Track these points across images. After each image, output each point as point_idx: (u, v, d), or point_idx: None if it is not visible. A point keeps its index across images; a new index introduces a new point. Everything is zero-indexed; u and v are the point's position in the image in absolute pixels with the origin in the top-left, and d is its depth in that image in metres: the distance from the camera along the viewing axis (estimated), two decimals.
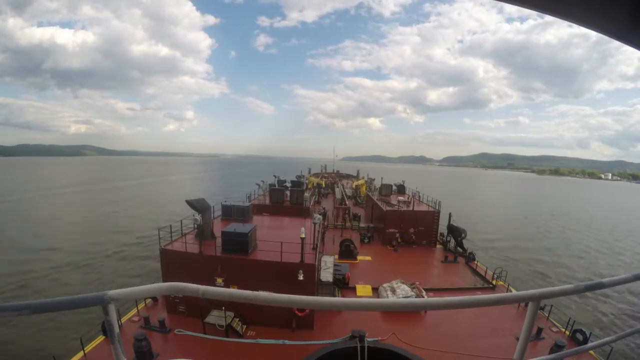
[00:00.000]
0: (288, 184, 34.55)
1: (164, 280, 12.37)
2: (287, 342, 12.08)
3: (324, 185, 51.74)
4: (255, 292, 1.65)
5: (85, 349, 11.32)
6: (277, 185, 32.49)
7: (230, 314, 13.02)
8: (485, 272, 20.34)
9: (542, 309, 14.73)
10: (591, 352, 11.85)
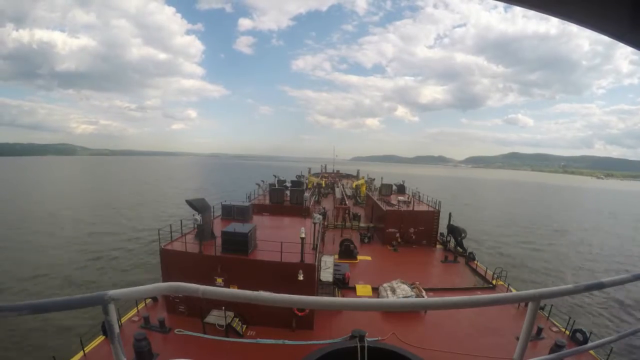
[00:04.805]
0: (288, 184, 34.55)
1: (164, 280, 12.39)
2: (287, 342, 12.08)
3: (324, 185, 51.74)
4: (255, 292, 1.65)
5: (85, 349, 11.32)
6: (277, 185, 32.48)
7: (230, 313, 13.02)
8: (485, 272, 20.34)
9: (542, 309, 14.73)
10: (591, 352, 11.86)
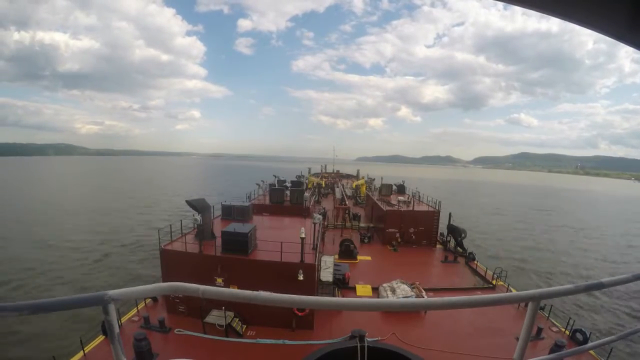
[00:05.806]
0: (288, 184, 34.56)
1: (164, 280, 12.39)
2: (287, 342, 12.08)
3: (324, 185, 51.73)
4: (255, 292, 1.65)
5: (85, 349, 11.32)
6: (277, 185, 32.48)
7: (230, 313, 13.02)
8: (485, 272, 20.33)
9: (542, 309, 14.73)
10: (591, 352, 11.86)
